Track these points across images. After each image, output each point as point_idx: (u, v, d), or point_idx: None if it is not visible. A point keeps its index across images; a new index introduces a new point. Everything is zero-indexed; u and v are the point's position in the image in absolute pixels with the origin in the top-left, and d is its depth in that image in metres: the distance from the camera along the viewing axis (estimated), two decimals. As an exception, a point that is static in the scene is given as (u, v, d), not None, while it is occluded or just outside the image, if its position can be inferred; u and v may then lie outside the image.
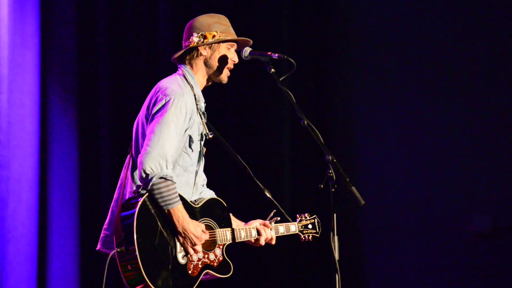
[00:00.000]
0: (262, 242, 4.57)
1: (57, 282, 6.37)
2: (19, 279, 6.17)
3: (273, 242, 4.61)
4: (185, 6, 7.07)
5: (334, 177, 4.05)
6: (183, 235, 4.23)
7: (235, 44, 4.54)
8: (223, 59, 4.48)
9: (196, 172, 4.46)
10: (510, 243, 6.97)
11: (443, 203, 7.18)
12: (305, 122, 4.22)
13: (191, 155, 4.40)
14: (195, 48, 4.47)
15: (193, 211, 4.34)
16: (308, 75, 7.61)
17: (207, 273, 4.34)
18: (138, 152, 4.35)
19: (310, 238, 4.79)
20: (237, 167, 4.76)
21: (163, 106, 4.27)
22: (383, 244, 7.42)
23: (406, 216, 7.32)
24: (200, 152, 4.47)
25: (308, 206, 6.15)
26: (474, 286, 7.05)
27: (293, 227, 4.74)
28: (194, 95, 4.42)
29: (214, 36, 4.46)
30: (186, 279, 4.25)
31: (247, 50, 4.55)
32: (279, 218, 4.63)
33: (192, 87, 4.43)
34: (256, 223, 4.57)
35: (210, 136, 4.49)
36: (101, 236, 4.40)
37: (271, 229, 4.58)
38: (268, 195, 4.65)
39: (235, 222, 4.55)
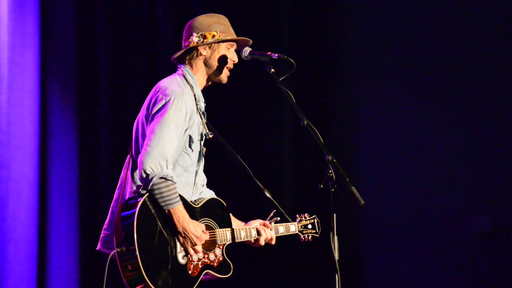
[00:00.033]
0: (262, 242, 4.57)
1: (57, 282, 6.37)
2: (19, 279, 6.17)
3: (273, 242, 4.61)
4: (185, 6, 7.07)
5: (334, 177, 4.05)
6: (183, 235, 4.23)
7: (235, 44, 4.54)
8: (223, 59, 4.48)
9: (196, 172, 4.46)
10: (510, 243, 6.97)
11: (443, 203, 7.18)
12: (305, 122, 4.22)
13: (191, 155, 4.40)
14: (195, 48, 4.48)
15: (193, 211, 4.34)
16: (308, 75, 7.61)
17: (207, 273, 4.34)
18: (138, 152, 4.35)
19: (309, 238, 4.79)
20: (237, 167, 4.76)
21: (163, 106, 4.28)
22: (383, 244, 7.42)
23: (406, 216, 7.32)
24: (200, 152, 4.48)
25: (308, 206, 6.16)
26: (474, 286, 7.05)
27: (292, 227, 4.74)
28: (194, 95, 4.42)
29: (213, 36, 4.46)
30: (186, 279, 4.25)
31: (246, 50, 4.55)
32: (279, 218, 4.63)
33: (192, 87, 4.43)
34: (256, 223, 4.57)
35: (210, 136, 4.49)
36: (101, 236, 4.40)
37: (271, 229, 4.58)
38: (268, 195, 4.66)
39: (235, 222, 4.55)
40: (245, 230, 4.51)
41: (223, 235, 4.42)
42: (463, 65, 7.19)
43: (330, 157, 4.08)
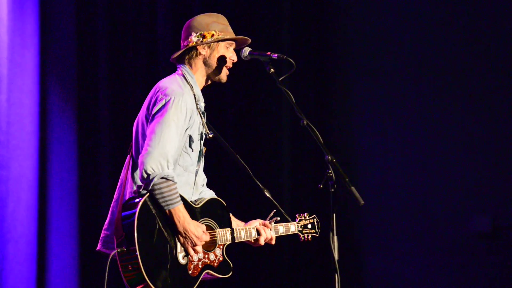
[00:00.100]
0: (262, 242, 4.57)
1: (57, 282, 6.37)
2: (19, 279, 6.17)
3: (273, 242, 4.61)
4: (185, 7, 7.07)
5: (334, 177, 4.05)
6: (183, 235, 4.23)
7: (234, 43, 4.54)
8: (222, 58, 4.48)
9: (196, 172, 4.46)
10: (509, 243, 6.97)
11: (442, 203, 7.18)
12: (305, 122, 4.22)
13: (191, 155, 4.40)
14: (194, 48, 4.47)
15: (194, 211, 4.34)
16: (308, 75, 7.61)
17: (207, 273, 4.34)
18: (138, 152, 4.35)
19: (309, 238, 4.79)
20: (236, 167, 4.76)
21: (163, 106, 4.27)
22: (383, 244, 7.42)
23: (406, 216, 7.32)
24: (200, 151, 4.47)
25: (307, 206, 6.17)
26: (473, 286, 7.05)
27: (292, 227, 4.74)
28: (194, 95, 4.42)
29: (212, 35, 4.46)
30: (186, 279, 4.25)
31: (246, 50, 4.55)
32: (278, 218, 4.63)
33: (191, 86, 4.43)
34: (256, 223, 4.57)
35: (210, 135, 4.49)
36: (101, 236, 4.40)
37: (270, 229, 4.58)
38: (268, 195, 4.66)
39: (235, 222, 4.55)
40: (245, 230, 4.51)
41: (223, 235, 4.42)
42: (462, 65, 7.19)
43: (329, 157, 4.08)
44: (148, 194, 4.19)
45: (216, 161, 5.85)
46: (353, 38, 7.70)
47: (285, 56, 4.43)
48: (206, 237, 4.29)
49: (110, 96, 6.73)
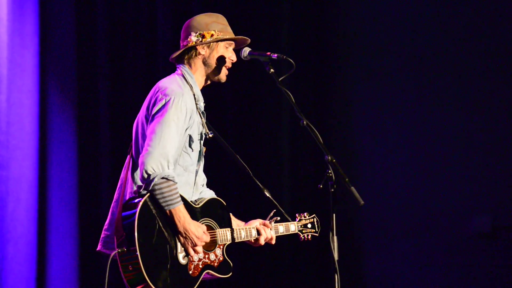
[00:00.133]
0: (262, 242, 4.57)
1: (56, 282, 6.37)
2: (19, 279, 6.17)
3: (273, 242, 4.61)
4: (184, 7, 7.07)
5: (334, 177, 4.06)
6: (184, 235, 4.23)
7: (233, 43, 4.55)
8: (222, 58, 4.49)
9: (196, 172, 4.46)
10: (509, 243, 6.97)
11: (442, 203, 7.18)
12: (305, 122, 4.22)
13: (191, 155, 4.40)
14: (194, 48, 4.48)
15: (194, 211, 4.34)
16: (308, 75, 7.60)
17: (207, 273, 4.34)
18: (138, 152, 4.35)
19: (309, 237, 4.79)
20: (236, 166, 4.76)
21: (163, 106, 4.27)
22: (383, 244, 7.42)
23: (406, 216, 7.32)
24: (200, 151, 4.48)
25: (307, 206, 6.16)
26: (473, 286, 7.05)
27: (292, 227, 4.74)
28: (194, 95, 4.42)
29: (212, 35, 4.46)
30: (186, 279, 4.25)
31: (246, 50, 4.55)
32: (279, 218, 4.64)
33: (191, 86, 4.43)
34: (256, 222, 4.57)
35: (210, 135, 4.49)
36: (102, 236, 4.40)
37: (271, 229, 4.58)
38: (268, 195, 4.66)
39: (235, 222, 4.55)
40: (245, 230, 4.51)
41: (224, 235, 4.42)
42: (462, 65, 7.19)
43: (329, 157, 4.08)
44: (148, 194, 4.19)
45: (216, 161, 5.84)
46: (353, 38, 7.70)
47: (284, 56, 4.44)
48: (207, 238, 4.29)
49: (110, 96, 6.73)
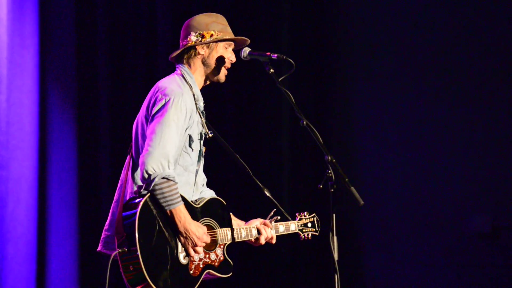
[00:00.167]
0: (263, 241, 4.57)
1: (56, 282, 6.37)
2: (18, 279, 6.17)
3: (274, 241, 4.61)
4: (184, 7, 7.07)
5: (333, 177, 4.06)
6: (184, 235, 4.22)
7: (233, 43, 4.54)
8: (221, 59, 4.48)
9: (196, 172, 4.46)
10: (509, 243, 6.97)
11: (442, 203, 7.18)
12: (304, 122, 4.22)
13: (191, 155, 4.40)
14: (193, 47, 4.47)
15: (194, 211, 4.34)
16: (307, 76, 7.60)
17: (208, 273, 4.34)
18: (138, 152, 4.35)
19: (309, 236, 4.79)
20: (236, 166, 4.76)
21: (163, 106, 4.27)
22: (382, 244, 7.42)
23: (405, 216, 7.32)
24: (200, 151, 4.47)
25: (307, 207, 6.15)
26: (473, 286, 7.05)
27: (293, 226, 4.74)
28: (193, 95, 4.42)
29: (212, 35, 4.46)
30: (187, 279, 4.25)
31: (246, 51, 4.55)
32: (279, 217, 4.64)
33: (190, 86, 4.43)
34: (257, 222, 4.57)
35: (210, 135, 4.49)
36: (102, 237, 4.40)
37: (271, 228, 4.58)
38: (268, 194, 4.66)
39: (236, 222, 4.55)
40: (245, 229, 4.51)
41: (224, 235, 4.42)
42: (462, 65, 7.19)
43: (329, 157, 4.08)
44: (148, 194, 4.18)
45: (216, 161, 5.84)
46: (352, 38, 7.70)
47: (284, 57, 4.44)
48: (207, 238, 4.28)
49: (110, 96, 6.72)
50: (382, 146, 7.48)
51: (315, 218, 4.84)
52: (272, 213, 4.61)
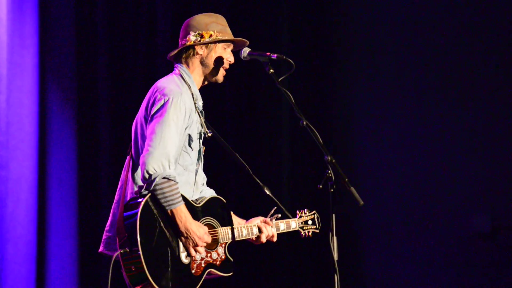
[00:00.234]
0: (263, 240, 4.57)
1: (56, 283, 6.36)
2: (18, 279, 6.16)
3: (274, 239, 4.62)
4: (184, 7, 7.07)
5: (333, 178, 4.06)
6: (185, 235, 4.23)
7: (232, 44, 4.55)
8: (219, 59, 4.49)
9: (196, 171, 4.46)
10: (508, 243, 6.97)
11: (441, 203, 7.18)
12: (304, 123, 4.23)
13: (191, 154, 4.40)
14: (192, 47, 4.48)
15: (195, 211, 4.35)
16: (307, 76, 7.60)
17: (210, 272, 4.34)
18: (137, 153, 4.35)
19: (310, 234, 4.81)
20: (236, 165, 4.76)
21: (162, 106, 4.27)
22: (382, 244, 7.42)
23: (405, 216, 7.32)
24: (199, 151, 4.48)
25: (307, 207, 6.15)
26: (472, 286, 7.05)
27: (293, 224, 4.75)
28: (192, 94, 4.42)
29: (211, 35, 4.46)
30: (189, 279, 4.25)
31: (246, 51, 4.55)
32: (279, 215, 4.64)
33: (189, 86, 4.43)
34: (257, 220, 4.58)
35: (209, 134, 4.50)
36: (103, 238, 4.40)
37: (272, 226, 4.58)
38: (268, 192, 4.67)
39: (236, 220, 4.56)
40: (246, 227, 4.51)
41: (225, 234, 4.43)
42: (462, 65, 7.19)
43: (329, 158, 4.08)
44: (149, 194, 4.18)
45: (215, 160, 5.84)
46: (353, 38, 7.70)
47: (284, 57, 4.44)
48: (208, 238, 4.29)
49: (109, 96, 6.72)
50: (382, 146, 7.48)
51: (315, 215, 4.85)
52: (272, 211, 4.62)
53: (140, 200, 4.18)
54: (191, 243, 4.24)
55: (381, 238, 7.41)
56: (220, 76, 4.53)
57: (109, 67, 6.74)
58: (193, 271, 4.27)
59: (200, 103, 4.49)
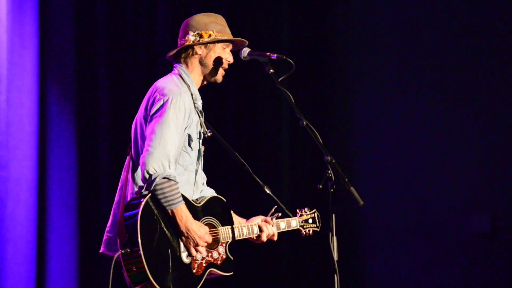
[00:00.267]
0: (264, 239, 4.57)
1: (56, 283, 6.36)
2: (18, 279, 6.16)
3: (275, 238, 4.62)
4: (184, 7, 7.07)
5: (333, 178, 4.06)
6: (186, 235, 4.23)
7: (231, 44, 4.55)
8: (218, 59, 4.49)
9: (196, 171, 4.46)
10: (508, 243, 6.97)
11: (441, 203, 7.18)
12: (304, 123, 4.23)
13: (191, 154, 4.40)
14: (191, 47, 4.47)
15: (196, 210, 4.35)
16: (307, 76, 7.60)
17: (211, 272, 4.34)
18: (137, 153, 4.35)
19: (310, 232, 4.81)
20: (236, 164, 4.77)
21: (162, 106, 4.27)
22: (382, 245, 7.42)
23: (405, 217, 7.32)
24: (199, 150, 4.48)
25: (307, 207, 6.16)
26: (472, 286, 7.05)
27: (294, 222, 4.75)
28: (191, 94, 4.42)
29: (210, 35, 4.46)
30: (191, 278, 4.26)
31: (245, 51, 4.55)
32: (280, 214, 4.64)
33: (188, 86, 4.43)
34: (258, 219, 4.58)
35: (209, 134, 4.50)
36: (104, 238, 4.40)
37: (272, 225, 4.59)
38: (268, 191, 4.67)
39: (237, 219, 4.56)
40: (247, 227, 4.52)
41: (226, 233, 4.43)
42: (462, 65, 7.19)
43: (329, 158, 4.09)
44: (150, 194, 4.18)
45: (215, 160, 5.85)
46: (352, 38, 7.70)
47: (284, 57, 4.44)
48: (209, 238, 4.29)
49: (109, 97, 6.72)
50: (381, 146, 7.48)
51: (315, 214, 4.85)
52: (273, 210, 4.62)
53: (140, 200, 4.18)
54: (191, 243, 4.24)
55: (381, 238, 7.41)
56: (219, 76, 4.53)
57: (109, 67, 6.73)
58: (194, 271, 4.27)
59: (199, 103, 4.49)
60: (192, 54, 4.48)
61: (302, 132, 4.30)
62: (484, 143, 7.07)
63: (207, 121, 4.55)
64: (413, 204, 7.29)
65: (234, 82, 7.28)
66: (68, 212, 6.46)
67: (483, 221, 7.02)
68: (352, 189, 4.06)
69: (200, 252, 4.27)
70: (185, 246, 4.25)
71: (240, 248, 4.73)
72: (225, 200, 4.52)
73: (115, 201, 4.41)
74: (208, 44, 4.47)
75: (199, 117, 4.47)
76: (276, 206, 4.63)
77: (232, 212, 4.53)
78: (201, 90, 4.54)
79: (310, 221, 4.81)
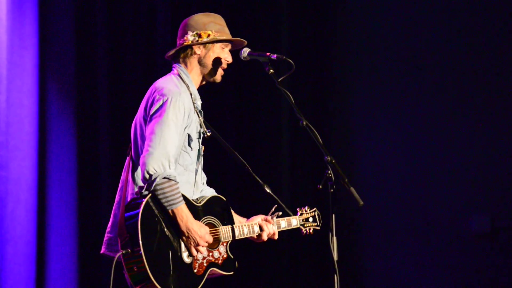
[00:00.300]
0: (265, 238, 4.58)
1: (56, 283, 6.36)
2: (18, 279, 6.16)
3: (276, 237, 4.63)
4: (184, 7, 7.07)
5: (333, 178, 4.06)
6: (186, 235, 4.23)
7: (230, 44, 4.55)
8: (217, 59, 4.49)
9: (196, 171, 4.47)
10: (508, 243, 6.97)
11: (441, 203, 7.18)
12: (304, 123, 4.23)
13: (191, 154, 4.41)
14: (190, 47, 4.47)
15: (196, 210, 4.35)
16: (307, 76, 7.61)
17: (212, 271, 4.34)
18: (137, 153, 4.36)
19: (311, 231, 4.81)
20: (236, 164, 4.77)
21: (161, 106, 4.28)
22: (382, 245, 7.42)
23: (405, 217, 7.32)
24: (199, 150, 4.48)
25: (307, 206, 6.16)
26: (472, 286, 7.05)
27: (294, 221, 4.76)
28: (190, 94, 4.42)
29: (209, 35, 4.46)
30: (192, 278, 4.26)
31: (245, 51, 4.55)
32: (280, 213, 4.65)
33: (187, 86, 4.43)
34: (258, 218, 4.58)
35: (208, 134, 4.50)
36: (105, 239, 4.40)
37: (273, 224, 4.59)
38: (268, 191, 4.68)
39: (237, 219, 4.56)
40: (247, 226, 4.52)
41: (226, 232, 4.43)
42: (461, 65, 7.19)
43: (329, 158, 4.09)
44: (150, 194, 4.18)
45: (215, 160, 5.85)
46: (352, 38, 7.70)
47: (284, 57, 4.44)
48: (209, 238, 4.29)
49: (109, 97, 6.72)
50: (381, 146, 7.48)
51: (316, 212, 4.86)
52: (273, 209, 4.62)
53: (141, 200, 4.19)
54: (192, 243, 4.24)
55: (381, 238, 7.41)
56: (218, 76, 4.53)
57: (109, 67, 6.74)
58: (195, 271, 4.28)
59: (199, 102, 4.49)
60: (191, 54, 4.48)
61: (302, 132, 4.30)
62: (484, 143, 7.07)
63: (207, 121, 4.55)
64: (413, 204, 7.29)
65: (234, 82, 7.29)
66: (68, 212, 6.46)
67: (483, 221, 7.02)
68: (352, 189, 4.06)
69: (201, 252, 4.27)
70: (186, 246, 4.25)
71: (240, 247, 4.72)
72: (225, 199, 4.52)
73: (115, 202, 4.41)
74: (207, 44, 4.47)
75: (199, 117, 4.47)
76: (276, 205, 4.64)
77: (232, 211, 4.54)
78: (201, 90, 4.54)
79: (311, 219, 4.82)
